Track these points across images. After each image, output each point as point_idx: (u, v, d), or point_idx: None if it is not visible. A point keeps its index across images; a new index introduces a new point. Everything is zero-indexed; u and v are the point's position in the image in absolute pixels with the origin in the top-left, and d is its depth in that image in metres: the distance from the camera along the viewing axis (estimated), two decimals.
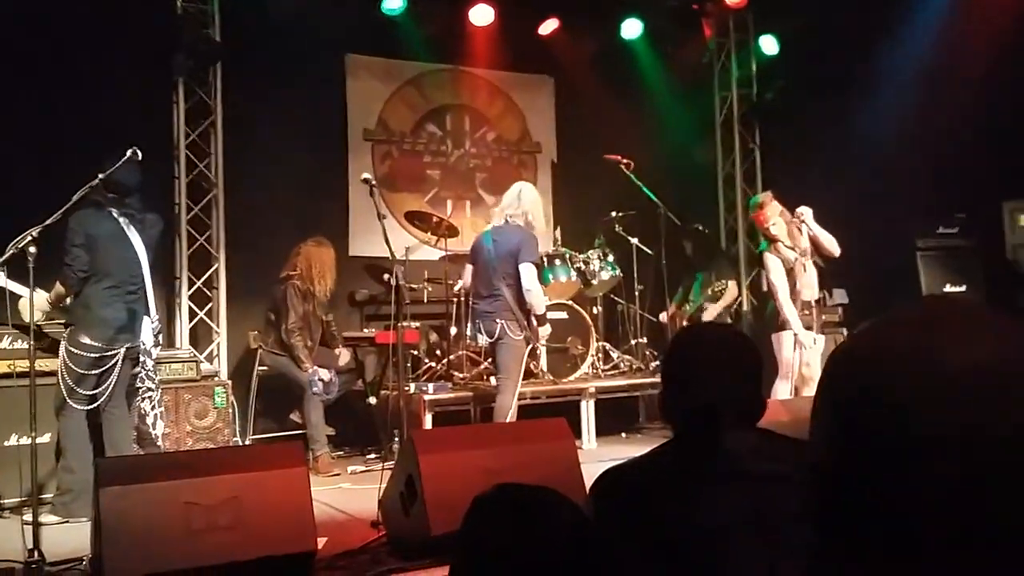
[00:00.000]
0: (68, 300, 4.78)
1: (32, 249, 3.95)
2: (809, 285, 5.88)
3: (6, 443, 4.98)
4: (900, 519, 0.67)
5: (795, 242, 5.89)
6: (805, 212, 5.90)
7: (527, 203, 5.67)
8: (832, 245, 5.94)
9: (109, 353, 4.73)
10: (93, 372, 4.70)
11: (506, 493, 1.75)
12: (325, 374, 6.15)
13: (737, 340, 1.94)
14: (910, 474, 0.67)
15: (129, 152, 4.35)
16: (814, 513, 0.76)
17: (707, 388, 1.81)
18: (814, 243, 5.93)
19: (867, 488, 0.69)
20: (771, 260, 5.89)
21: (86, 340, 4.68)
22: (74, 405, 4.66)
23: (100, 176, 4.33)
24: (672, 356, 1.93)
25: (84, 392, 4.68)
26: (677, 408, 1.87)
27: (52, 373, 4.75)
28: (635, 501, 1.78)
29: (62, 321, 4.86)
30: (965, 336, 0.69)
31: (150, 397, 4.76)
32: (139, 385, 4.75)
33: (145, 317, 4.79)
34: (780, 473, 1.67)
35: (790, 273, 5.86)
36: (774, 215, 5.95)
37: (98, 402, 4.72)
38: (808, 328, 5.76)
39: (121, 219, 4.84)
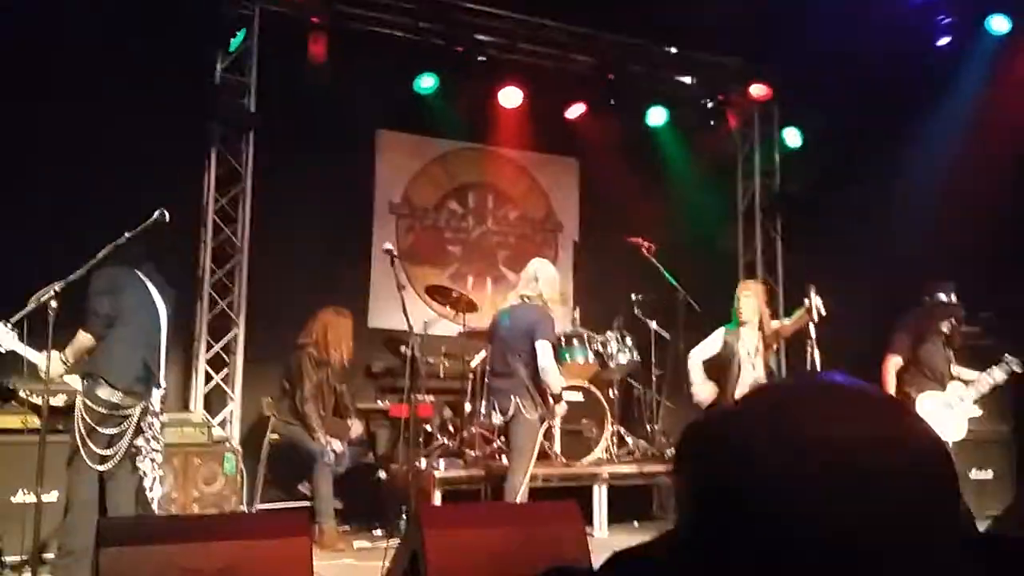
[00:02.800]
0: (86, 352, 4.78)
1: (54, 304, 4.00)
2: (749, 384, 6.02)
3: (13, 499, 4.95)
4: None
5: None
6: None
7: (543, 282, 5.68)
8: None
9: (124, 411, 4.73)
10: (106, 430, 4.69)
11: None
12: (337, 445, 6.09)
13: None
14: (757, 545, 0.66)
15: (156, 214, 4.42)
16: None
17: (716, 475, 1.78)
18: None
19: (726, 558, 0.68)
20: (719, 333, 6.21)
21: (103, 393, 4.67)
22: (87, 461, 4.63)
23: (126, 235, 4.39)
24: (683, 443, 1.90)
25: (96, 449, 4.66)
26: (685, 495, 1.84)
27: (65, 431, 4.74)
28: None
29: (78, 375, 4.87)
30: (826, 412, 0.69)
31: (153, 459, 4.74)
32: (143, 446, 4.73)
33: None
34: None
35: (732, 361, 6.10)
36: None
37: (109, 464, 4.69)
38: None
39: (144, 277, 4.90)
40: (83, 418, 4.63)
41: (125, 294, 4.79)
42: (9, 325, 4.50)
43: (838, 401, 0.72)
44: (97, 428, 4.64)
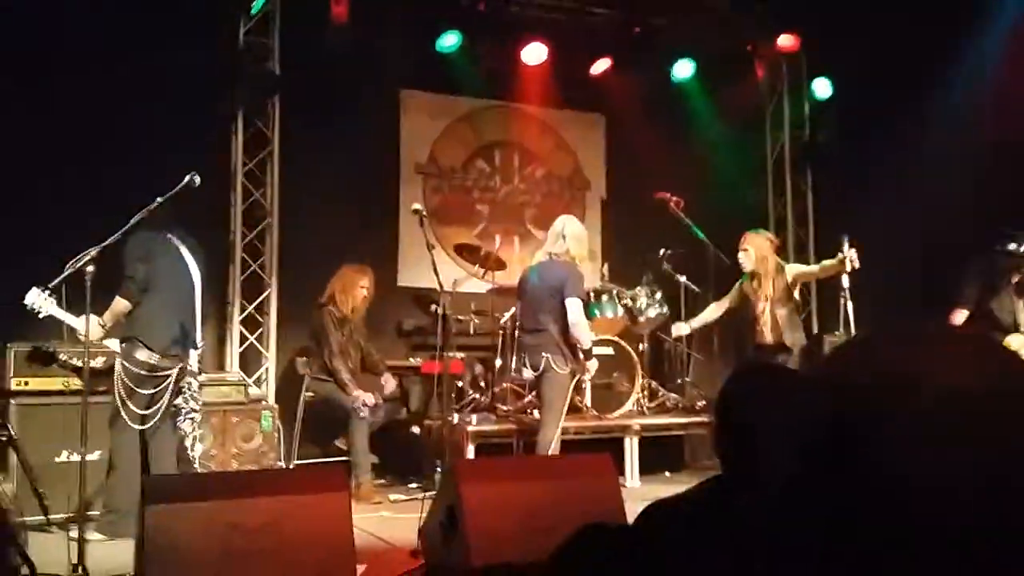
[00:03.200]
0: (124, 316, 4.87)
1: (90, 268, 4.06)
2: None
3: (57, 459, 5.08)
4: (869, 547, 0.65)
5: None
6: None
7: (570, 238, 5.68)
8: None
9: (162, 372, 4.82)
10: (146, 391, 4.79)
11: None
12: (370, 398, 6.17)
13: (789, 380, 1.92)
14: (882, 509, 0.64)
15: (187, 178, 4.46)
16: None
17: (754, 428, 1.80)
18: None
19: (836, 518, 0.67)
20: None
21: (141, 355, 4.77)
22: (127, 420, 4.73)
23: (159, 199, 4.44)
24: (724, 394, 1.92)
25: (136, 409, 4.76)
26: (725, 445, 1.87)
27: (106, 391, 4.85)
28: (679, 538, 1.76)
29: (117, 338, 4.96)
30: (949, 361, 0.67)
31: (192, 418, 4.84)
32: (182, 406, 4.83)
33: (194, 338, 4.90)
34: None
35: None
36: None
37: (149, 423, 4.80)
38: None
39: (177, 242, 4.98)
40: (122, 380, 4.74)
41: (159, 259, 4.87)
42: (48, 291, 4.59)
43: (962, 350, 0.70)
44: (137, 389, 4.74)
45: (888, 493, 0.64)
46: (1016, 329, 6.03)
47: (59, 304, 4.66)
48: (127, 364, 4.77)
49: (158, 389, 4.81)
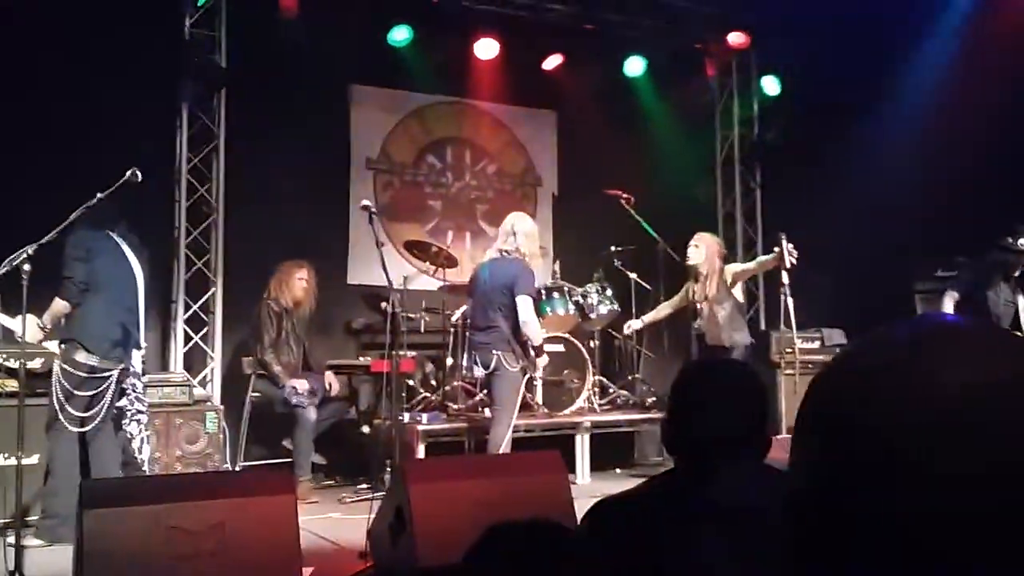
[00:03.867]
0: (63, 318, 4.75)
1: (27, 267, 3.95)
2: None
3: None
4: (885, 552, 0.63)
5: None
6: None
7: (520, 235, 5.68)
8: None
9: (102, 373, 4.70)
10: (85, 393, 4.67)
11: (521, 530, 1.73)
12: (302, 384, 6.12)
13: (740, 374, 1.93)
14: (896, 503, 0.63)
15: (128, 173, 4.35)
16: (789, 545, 0.72)
17: (705, 421, 1.80)
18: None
19: (849, 519, 0.65)
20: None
21: (80, 357, 4.65)
22: (66, 424, 4.61)
23: (99, 195, 4.33)
24: (675, 387, 1.92)
25: (75, 412, 4.64)
26: (675, 439, 1.87)
27: (44, 394, 4.72)
28: (626, 534, 1.75)
29: (56, 340, 4.84)
30: (960, 355, 0.65)
31: (138, 420, 4.73)
32: (127, 407, 4.72)
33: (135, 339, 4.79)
34: (774, 508, 1.65)
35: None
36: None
37: (89, 426, 4.68)
38: None
39: (118, 239, 4.86)
40: (60, 383, 4.61)
41: (100, 257, 4.75)
42: None
43: (973, 343, 0.68)
44: (76, 392, 4.63)
45: (911, 487, 0.62)
46: (1004, 323, 6.19)
47: None
48: (66, 367, 4.64)
49: (98, 391, 4.70)
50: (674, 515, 1.72)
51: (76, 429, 4.65)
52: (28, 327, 4.30)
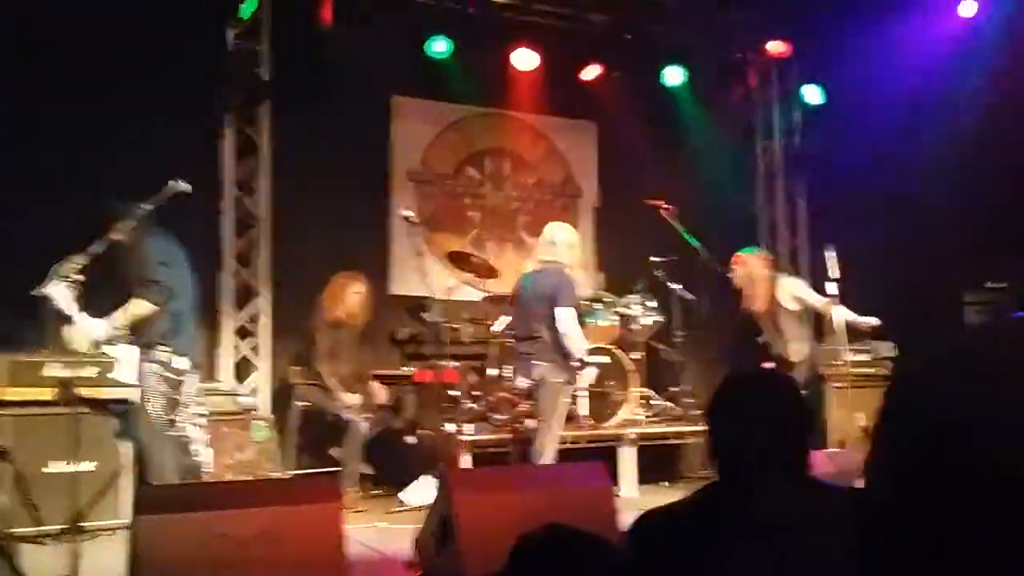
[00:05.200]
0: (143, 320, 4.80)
1: (79, 276, 4.02)
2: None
3: (44, 469, 5.00)
4: (965, 551, 0.62)
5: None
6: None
7: (561, 245, 5.66)
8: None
9: (182, 376, 4.80)
10: (168, 393, 4.76)
11: (554, 534, 1.73)
12: (353, 398, 6.20)
13: (781, 388, 1.91)
14: (980, 505, 0.62)
15: (178, 184, 4.43)
16: (863, 546, 0.71)
17: (743, 433, 1.79)
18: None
19: (930, 520, 0.64)
20: None
21: (171, 360, 4.74)
22: (153, 424, 4.69)
23: (145, 206, 4.40)
24: (715, 399, 1.91)
25: (161, 413, 4.72)
26: (715, 452, 1.86)
27: (97, 401, 4.77)
28: (669, 546, 1.76)
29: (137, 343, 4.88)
30: None
31: (198, 424, 4.81)
32: (183, 411, 4.81)
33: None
34: (815, 523, 1.63)
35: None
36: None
37: (171, 427, 4.76)
38: None
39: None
40: (153, 384, 4.70)
41: (177, 265, 4.87)
42: (68, 286, 4.53)
43: None
44: (160, 392, 4.72)
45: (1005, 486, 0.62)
46: None
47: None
48: (157, 369, 4.72)
49: (175, 394, 4.79)
50: (713, 529, 1.72)
51: (163, 429, 4.73)
52: (99, 327, 4.38)
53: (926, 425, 0.69)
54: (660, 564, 1.72)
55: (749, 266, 6.34)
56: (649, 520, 1.81)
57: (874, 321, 6.01)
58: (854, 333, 6.42)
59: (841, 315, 6.13)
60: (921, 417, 0.70)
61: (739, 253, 6.56)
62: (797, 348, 6.17)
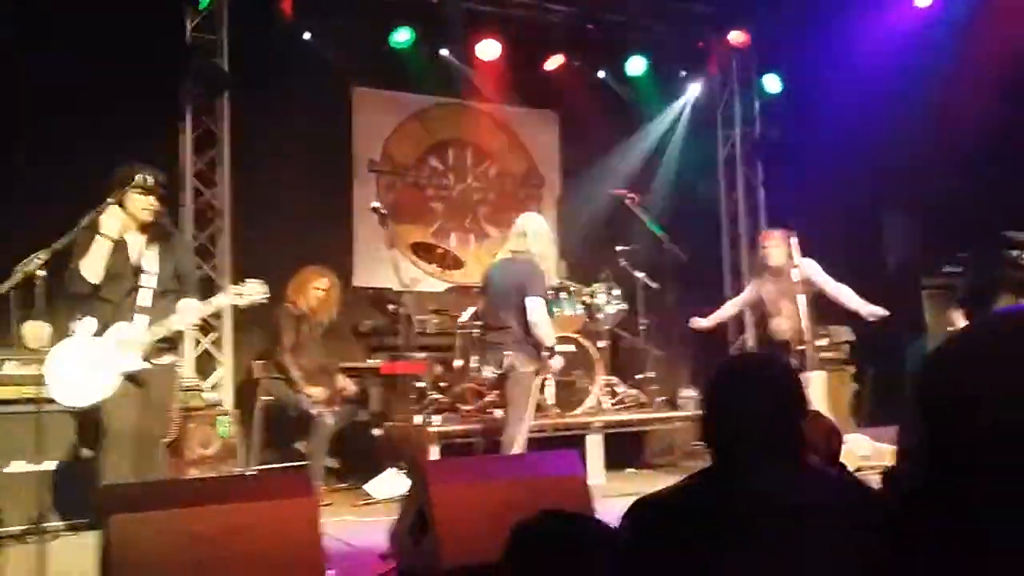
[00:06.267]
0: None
1: (41, 272, 3.92)
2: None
3: (5, 470, 4.89)
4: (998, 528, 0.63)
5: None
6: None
7: (532, 235, 5.63)
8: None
9: None
10: None
11: (549, 518, 1.72)
12: (319, 391, 6.09)
13: (776, 371, 1.91)
14: (1009, 469, 0.63)
15: (139, 178, 4.33)
16: (891, 524, 0.72)
17: (740, 418, 1.79)
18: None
19: (960, 498, 0.65)
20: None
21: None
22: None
23: (108, 201, 4.30)
24: (710, 383, 1.91)
25: None
26: (712, 437, 1.86)
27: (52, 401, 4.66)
28: (666, 531, 1.75)
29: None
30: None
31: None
32: None
33: None
34: (811, 506, 1.64)
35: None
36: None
37: None
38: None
39: None
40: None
41: None
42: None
43: None
44: None
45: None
46: None
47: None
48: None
49: None
50: (708, 514, 1.72)
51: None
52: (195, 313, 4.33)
53: (958, 399, 0.70)
54: (658, 548, 1.71)
55: (785, 242, 6.20)
56: (645, 505, 1.81)
57: (881, 311, 5.94)
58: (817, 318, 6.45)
59: (855, 301, 6.08)
60: (954, 392, 0.71)
61: (769, 231, 6.40)
62: (807, 328, 6.10)
